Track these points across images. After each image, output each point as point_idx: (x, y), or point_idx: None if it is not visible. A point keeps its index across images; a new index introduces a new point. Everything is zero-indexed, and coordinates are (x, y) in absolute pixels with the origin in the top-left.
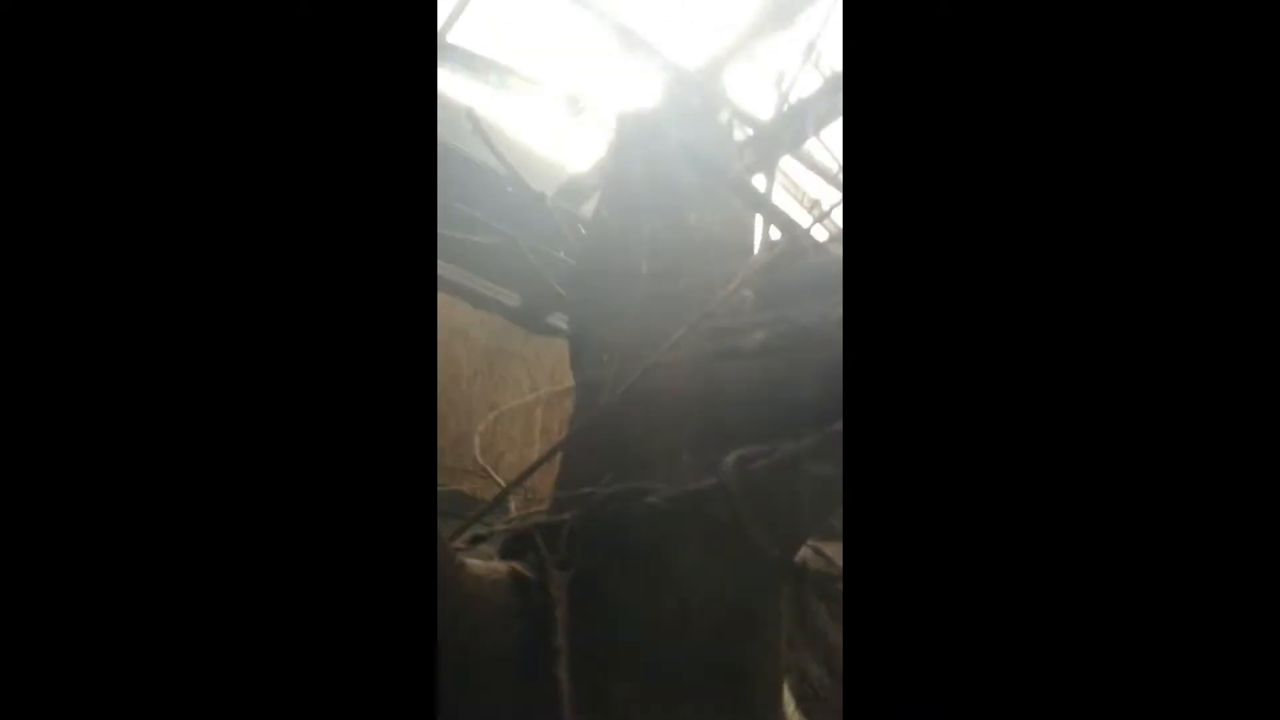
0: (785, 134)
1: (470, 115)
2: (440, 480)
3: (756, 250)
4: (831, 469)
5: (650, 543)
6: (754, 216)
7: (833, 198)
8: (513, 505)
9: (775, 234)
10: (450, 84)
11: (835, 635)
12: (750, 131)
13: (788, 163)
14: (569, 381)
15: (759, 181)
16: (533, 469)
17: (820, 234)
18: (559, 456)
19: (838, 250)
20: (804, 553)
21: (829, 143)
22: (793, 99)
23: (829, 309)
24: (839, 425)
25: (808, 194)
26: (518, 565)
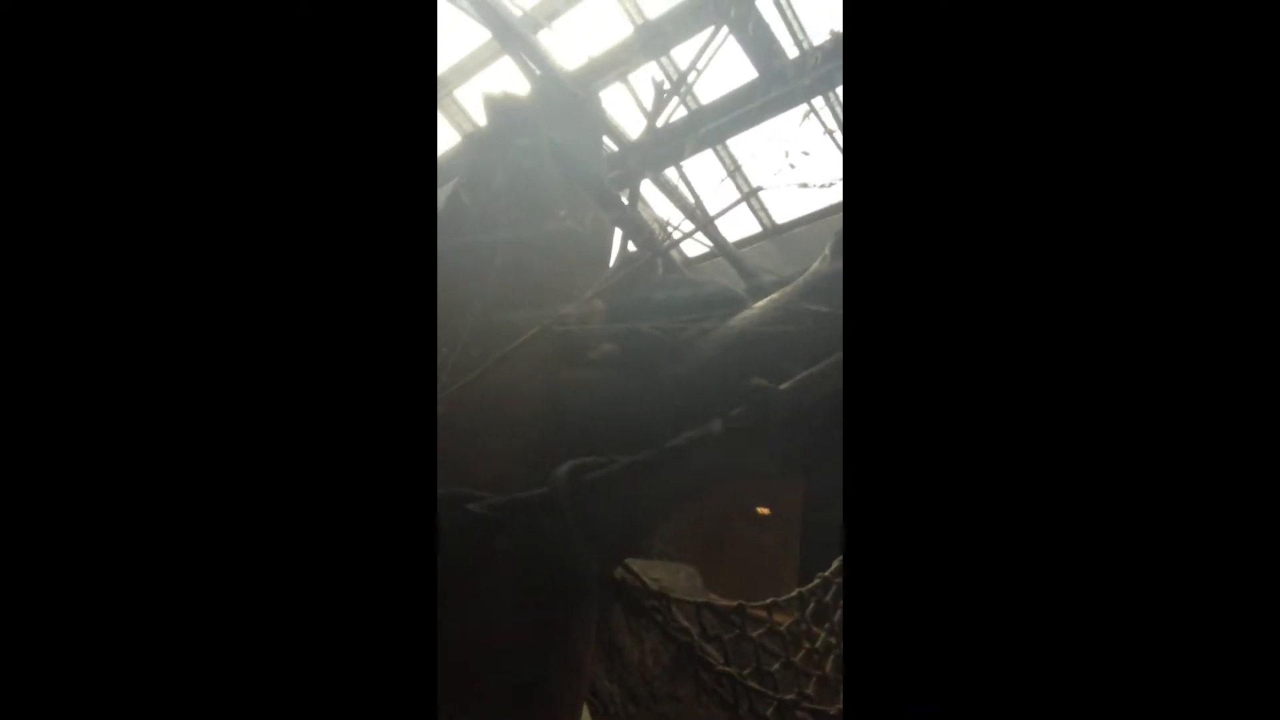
0: (651, 156)
1: None
2: None
3: (613, 262)
4: (661, 484)
5: (465, 553)
6: (614, 227)
7: (685, 224)
8: None
9: (632, 248)
10: None
11: (632, 651)
12: (615, 148)
13: (648, 185)
14: None
15: (624, 195)
16: None
17: (675, 255)
18: None
19: (690, 272)
20: (618, 571)
21: (689, 172)
22: (659, 124)
23: (678, 326)
24: (678, 440)
25: (664, 216)
26: None
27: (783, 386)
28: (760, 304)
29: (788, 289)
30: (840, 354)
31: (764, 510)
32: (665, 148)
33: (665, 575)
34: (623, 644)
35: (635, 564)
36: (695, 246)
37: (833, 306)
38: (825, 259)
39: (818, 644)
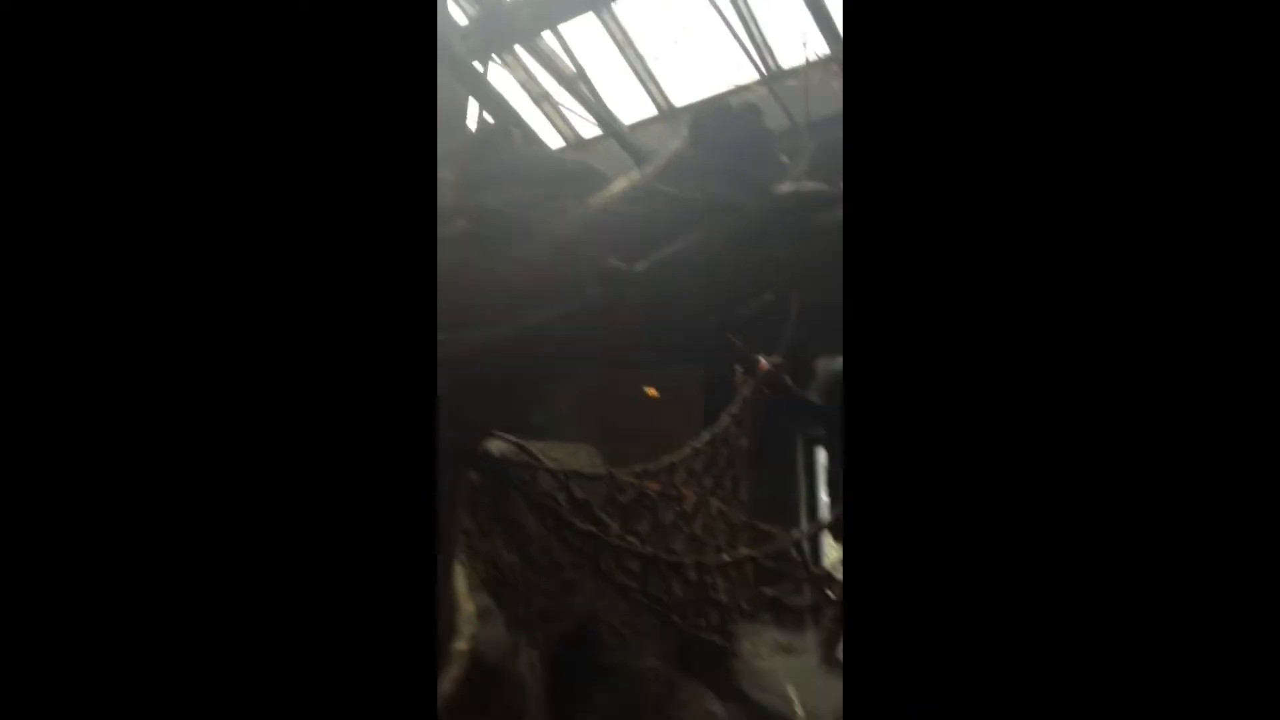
0: (517, 21)
1: None
2: None
3: (474, 130)
4: (517, 362)
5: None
6: (466, 95)
7: (560, 93)
8: None
9: (489, 119)
10: None
11: (530, 524)
12: (475, 11)
13: (522, 52)
14: None
15: (479, 62)
16: None
17: (565, 134)
18: None
19: (554, 141)
20: (499, 445)
21: (567, 37)
22: None
23: (531, 202)
24: (534, 317)
25: (536, 80)
26: None
27: (637, 268)
28: (619, 184)
29: (647, 169)
30: (694, 237)
31: (653, 391)
32: (534, 11)
33: (565, 455)
34: (523, 521)
35: (534, 445)
36: (589, 128)
37: (685, 190)
38: (684, 139)
39: (687, 506)
